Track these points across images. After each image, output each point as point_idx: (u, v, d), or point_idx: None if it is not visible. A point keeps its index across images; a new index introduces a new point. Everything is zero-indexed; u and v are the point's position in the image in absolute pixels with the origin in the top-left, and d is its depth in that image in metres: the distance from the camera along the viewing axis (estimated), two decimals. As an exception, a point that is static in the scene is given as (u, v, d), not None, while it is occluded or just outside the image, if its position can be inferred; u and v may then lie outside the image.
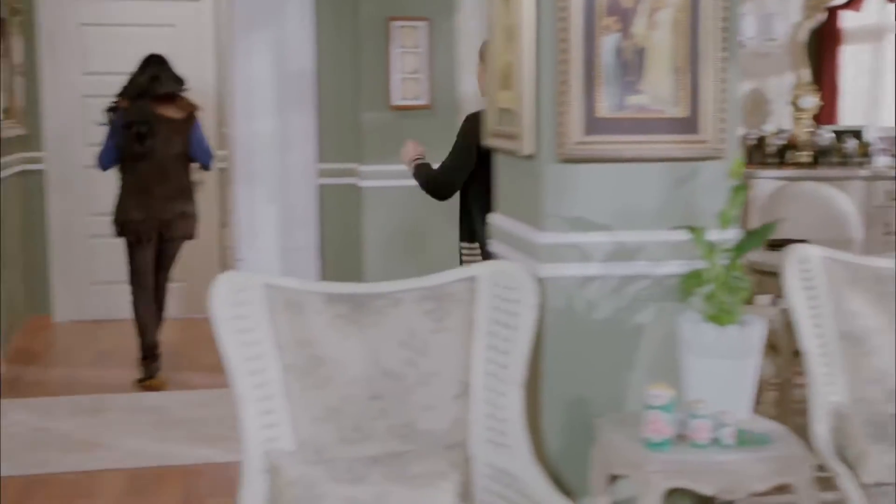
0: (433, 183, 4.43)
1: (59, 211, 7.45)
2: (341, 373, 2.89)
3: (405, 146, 4.60)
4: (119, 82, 6.12)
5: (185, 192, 6.12)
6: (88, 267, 7.40)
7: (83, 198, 7.38)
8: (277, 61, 5.95)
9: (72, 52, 7.36)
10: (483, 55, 4.35)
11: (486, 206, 3.96)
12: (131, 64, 6.24)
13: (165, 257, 6.20)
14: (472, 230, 4.38)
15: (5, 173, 6.64)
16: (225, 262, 7.51)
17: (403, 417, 2.90)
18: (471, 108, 6.04)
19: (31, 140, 7.30)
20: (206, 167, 6.20)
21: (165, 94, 5.99)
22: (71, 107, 7.33)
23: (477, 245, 4.36)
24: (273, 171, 6.03)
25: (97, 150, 6.06)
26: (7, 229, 6.69)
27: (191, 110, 6.06)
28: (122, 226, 6.03)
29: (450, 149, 4.38)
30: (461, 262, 4.41)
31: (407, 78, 5.91)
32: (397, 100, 5.90)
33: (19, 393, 5.85)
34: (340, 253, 6.13)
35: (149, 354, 6.06)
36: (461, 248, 4.47)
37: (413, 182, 4.56)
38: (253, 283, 2.88)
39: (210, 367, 6.36)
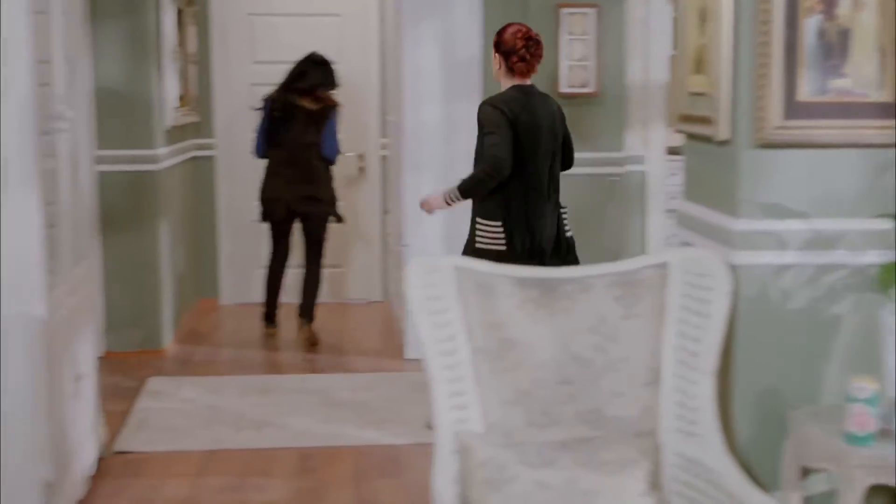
0: (487, 170, 4.60)
1: (226, 196, 7.66)
2: (530, 357, 2.88)
3: (427, 203, 4.92)
4: (285, 71, 6.38)
5: (316, 176, 6.43)
6: (253, 251, 7.57)
7: (249, 184, 7.54)
8: (445, 50, 5.98)
9: (241, 42, 7.55)
10: (497, 45, 4.68)
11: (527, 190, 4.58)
12: (297, 53, 6.41)
13: (309, 240, 6.55)
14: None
15: (179, 159, 6.86)
16: (386, 248, 7.60)
17: (592, 403, 2.88)
18: (639, 96, 6.01)
19: (202, 127, 7.52)
20: (330, 161, 6.48)
21: (308, 87, 6.34)
22: (240, 95, 7.52)
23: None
24: (439, 158, 6.06)
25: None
26: (179, 214, 6.91)
27: (326, 104, 6.40)
28: (261, 206, 6.50)
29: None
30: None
31: (574, 65, 5.88)
32: (565, 87, 5.86)
33: (190, 371, 6.04)
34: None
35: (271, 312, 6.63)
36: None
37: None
38: (444, 265, 2.89)
39: (371, 352, 6.47)
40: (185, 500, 4.23)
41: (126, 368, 5.95)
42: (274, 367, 6.24)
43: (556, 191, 4.76)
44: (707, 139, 3.10)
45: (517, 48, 4.64)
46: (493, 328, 2.88)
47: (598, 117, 5.90)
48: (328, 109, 6.39)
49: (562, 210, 4.77)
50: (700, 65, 3.14)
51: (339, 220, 6.57)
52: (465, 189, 4.67)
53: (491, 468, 2.71)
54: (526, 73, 4.70)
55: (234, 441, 4.88)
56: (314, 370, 6.09)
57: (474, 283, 2.90)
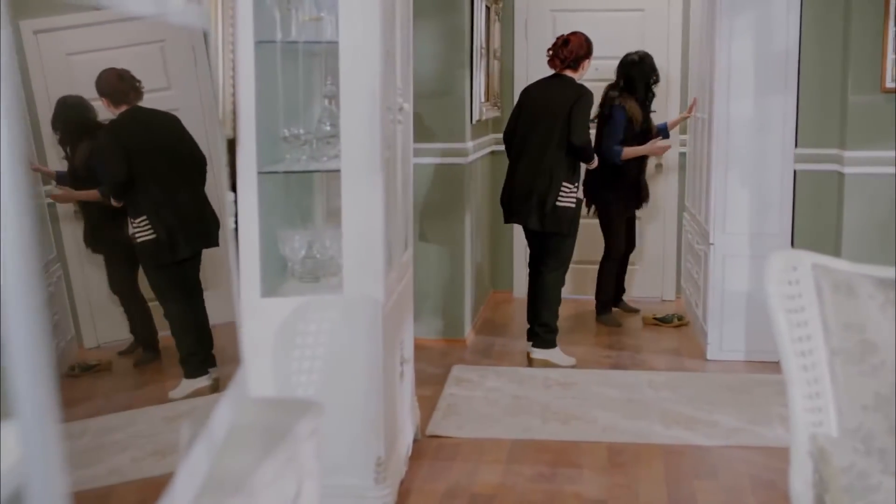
0: None
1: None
2: (891, 361, 2.74)
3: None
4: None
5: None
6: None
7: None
8: (759, 42, 5.81)
9: (542, 38, 7.57)
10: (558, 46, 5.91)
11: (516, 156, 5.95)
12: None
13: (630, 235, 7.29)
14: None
15: (481, 153, 7.00)
16: (681, 245, 7.48)
17: (960, 415, 2.71)
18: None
19: (501, 122, 7.63)
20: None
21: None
22: (537, 91, 7.58)
23: None
24: (748, 154, 5.91)
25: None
26: (478, 208, 7.05)
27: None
28: (624, 201, 7.02)
29: None
30: None
31: (901, 58, 5.57)
32: (889, 82, 5.56)
33: (491, 361, 6.14)
34: (814, 242, 5.90)
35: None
36: None
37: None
38: (803, 261, 2.80)
39: (670, 350, 6.38)
40: (499, 486, 4.31)
41: (430, 355, 6.13)
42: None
43: (554, 161, 5.69)
44: None
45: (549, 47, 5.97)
46: (852, 330, 2.75)
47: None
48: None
49: (565, 185, 5.68)
50: None
51: None
52: None
53: (852, 475, 2.60)
54: (552, 65, 5.94)
55: (541, 431, 4.94)
56: (614, 366, 6.06)
57: (832, 282, 2.78)
